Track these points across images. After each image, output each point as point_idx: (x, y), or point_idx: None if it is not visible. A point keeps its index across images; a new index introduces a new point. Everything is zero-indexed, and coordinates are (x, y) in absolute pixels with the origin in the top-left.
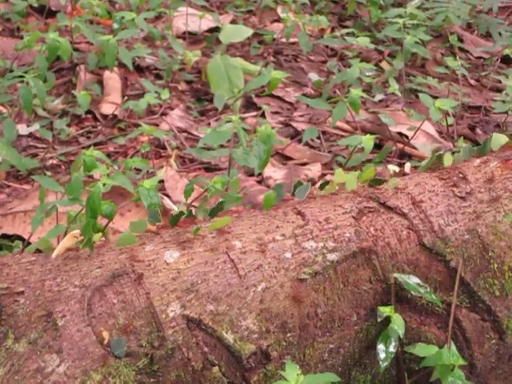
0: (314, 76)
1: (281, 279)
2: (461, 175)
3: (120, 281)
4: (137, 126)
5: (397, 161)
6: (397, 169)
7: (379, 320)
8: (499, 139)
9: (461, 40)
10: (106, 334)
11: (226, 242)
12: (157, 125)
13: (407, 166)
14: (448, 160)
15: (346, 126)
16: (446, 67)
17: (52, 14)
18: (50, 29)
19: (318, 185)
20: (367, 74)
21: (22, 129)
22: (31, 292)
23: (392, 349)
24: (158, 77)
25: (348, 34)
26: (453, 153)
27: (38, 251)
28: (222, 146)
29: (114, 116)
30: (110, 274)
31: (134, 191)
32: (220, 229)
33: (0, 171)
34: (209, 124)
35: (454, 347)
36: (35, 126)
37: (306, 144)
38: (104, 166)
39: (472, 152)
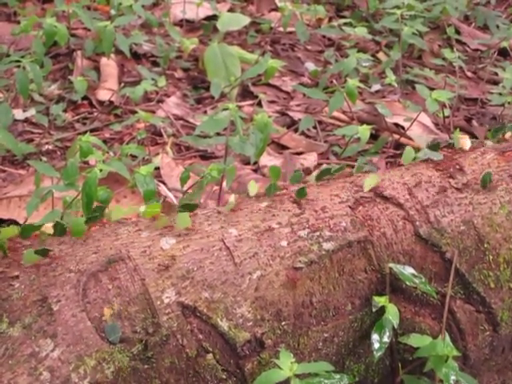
0: (310, 65)
1: (276, 267)
2: (457, 166)
3: (115, 267)
4: (133, 112)
5: (392, 151)
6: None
7: (374, 310)
8: (410, 153)
9: (458, 32)
10: (107, 311)
11: (222, 229)
12: (153, 112)
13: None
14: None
15: (342, 116)
16: (443, 59)
17: None
18: (48, 14)
19: (314, 173)
20: (364, 64)
21: (18, 114)
22: (26, 276)
23: (386, 339)
24: (155, 64)
25: (345, 24)
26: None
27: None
28: (218, 133)
29: (111, 102)
30: (105, 259)
31: (130, 178)
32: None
33: None
34: (205, 112)
35: (448, 338)
36: (31, 111)
37: (302, 133)
38: (100, 152)
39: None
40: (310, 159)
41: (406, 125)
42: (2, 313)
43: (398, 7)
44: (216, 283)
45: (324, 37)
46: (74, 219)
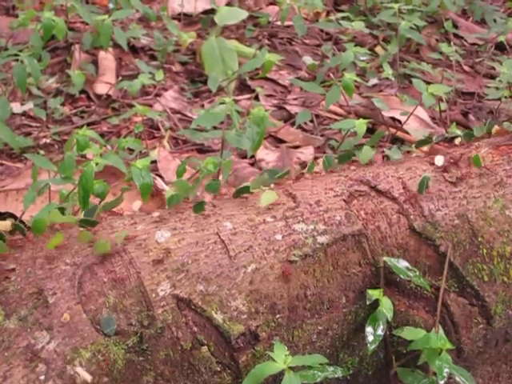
0: (308, 59)
1: (271, 261)
2: (452, 160)
3: (111, 259)
4: (130, 106)
5: (389, 145)
6: None
7: (368, 303)
8: (368, 152)
9: (455, 26)
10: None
11: (217, 222)
12: (150, 105)
13: None
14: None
15: (339, 110)
16: (441, 53)
17: None
18: (46, 8)
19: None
20: (361, 58)
21: (16, 107)
22: (22, 269)
23: (380, 332)
24: (153, 58)
25: (343, 18)
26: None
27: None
28: (215, 127)
29: (108, 96)
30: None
31: (127, 171)
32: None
33: None
34: (202, 106)
35: (441, 331)
36: (29, 105)
37: (299, 127)
38: (97, 146)
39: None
40: (307, 153)
41: (402, 119)
42: None
43: (395, 1)
44: (211, 276)
45: (322, 31)
46: (36, 219)
